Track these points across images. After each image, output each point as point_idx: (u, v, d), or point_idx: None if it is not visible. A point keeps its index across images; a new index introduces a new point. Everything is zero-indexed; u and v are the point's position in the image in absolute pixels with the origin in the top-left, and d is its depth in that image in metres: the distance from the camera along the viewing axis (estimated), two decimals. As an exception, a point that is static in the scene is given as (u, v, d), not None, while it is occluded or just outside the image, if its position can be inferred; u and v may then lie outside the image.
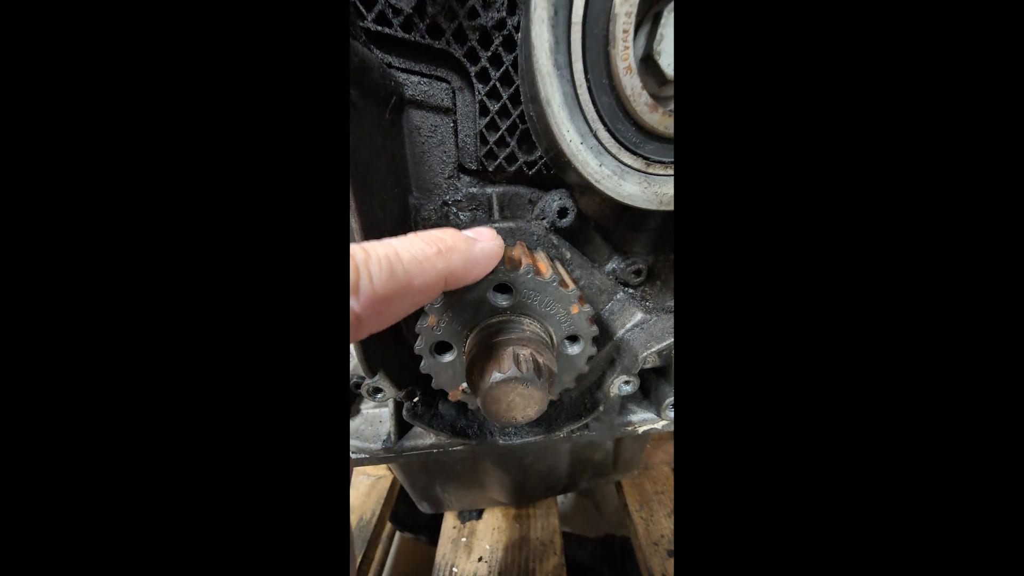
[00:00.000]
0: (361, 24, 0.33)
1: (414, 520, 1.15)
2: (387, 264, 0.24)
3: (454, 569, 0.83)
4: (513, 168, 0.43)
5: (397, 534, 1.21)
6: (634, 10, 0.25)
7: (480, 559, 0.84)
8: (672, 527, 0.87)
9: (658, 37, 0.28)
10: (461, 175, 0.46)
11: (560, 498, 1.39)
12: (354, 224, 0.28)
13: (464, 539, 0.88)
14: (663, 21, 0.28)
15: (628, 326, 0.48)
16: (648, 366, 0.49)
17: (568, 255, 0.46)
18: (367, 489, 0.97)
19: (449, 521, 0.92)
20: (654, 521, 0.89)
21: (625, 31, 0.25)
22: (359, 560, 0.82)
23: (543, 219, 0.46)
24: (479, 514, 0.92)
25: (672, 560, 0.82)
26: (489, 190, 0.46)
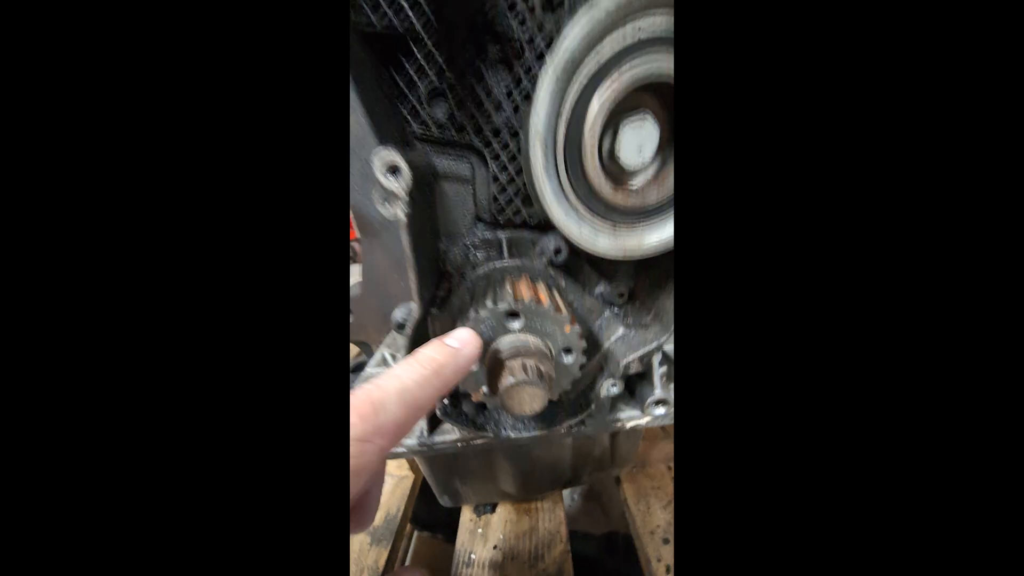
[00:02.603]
0: (410, 131, 0.46)
1: (431, 519, 1.25)
2: (399, 397, 0.26)
3: (472, 555, 0.93)
4: (518, 219, 0.56)
5: (415, 533, 1.31)
6: (596, 139, 0.38)
7: (495, 547, 0.94)
8: (666, 518, 0.97)
9: (618, 141, 0.41)
10: (478, 223, 0.59)
11: (568, 500, 1.48)
12: (412, 277, 0.40)
13: (480, 530, 0.99)
14: (622, 129, 0.41)
15: (612, 339, 0.60)
16: (632, 372, 0.61)
17: (563, 283, 0.59)
18: (391, 487, 1.08)
19: (466, 515, 1.02)
20: (651, 513, 1.00)
21: (592, 148, 0.38)
22: (387, 554, 0.93)
23: (542, 256, 0.58)
24: (493, 508, 1.02)
25: (666, 546, 0.92)
26: (500, 235, 0.59)
